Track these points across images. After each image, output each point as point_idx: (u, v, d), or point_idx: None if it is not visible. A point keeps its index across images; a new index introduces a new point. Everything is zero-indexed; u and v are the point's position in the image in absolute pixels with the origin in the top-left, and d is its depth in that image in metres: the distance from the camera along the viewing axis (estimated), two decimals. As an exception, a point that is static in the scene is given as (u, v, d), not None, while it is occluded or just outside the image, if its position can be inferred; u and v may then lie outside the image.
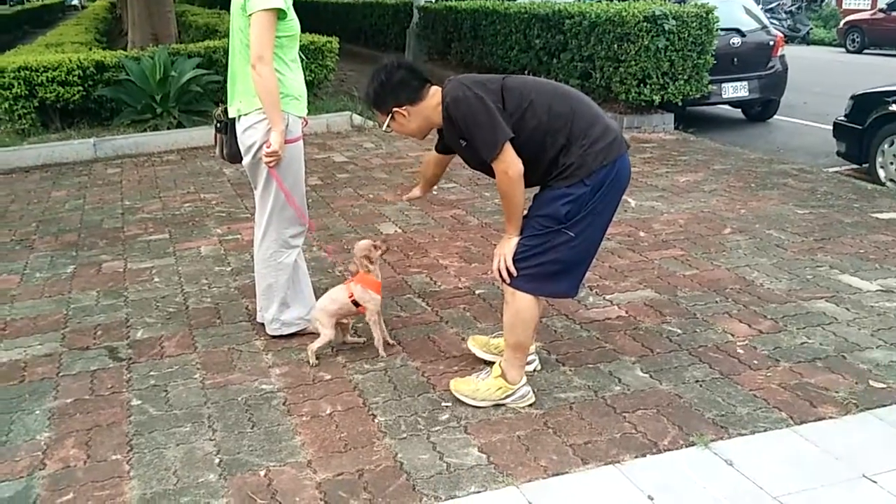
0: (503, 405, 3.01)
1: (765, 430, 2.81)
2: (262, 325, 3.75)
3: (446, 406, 3.05)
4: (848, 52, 19.77)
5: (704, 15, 8.25)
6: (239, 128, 3.42)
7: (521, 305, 2.88)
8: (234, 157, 3.53)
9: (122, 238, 5.28)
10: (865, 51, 19.47)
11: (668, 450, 2.71)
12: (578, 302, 3.97)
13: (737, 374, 3.22)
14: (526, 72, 10.69)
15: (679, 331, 3.64)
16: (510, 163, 2.72)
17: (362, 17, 18.00)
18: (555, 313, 3.84)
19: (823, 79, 13.26)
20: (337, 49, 9.67)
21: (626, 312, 3.86)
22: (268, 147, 3.27)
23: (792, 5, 23.81)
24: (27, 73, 8.00)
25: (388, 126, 2.97)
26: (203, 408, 3.11)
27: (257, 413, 3.06)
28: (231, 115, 3.47)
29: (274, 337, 3.68)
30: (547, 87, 2.87)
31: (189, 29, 15.20)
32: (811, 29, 22.91)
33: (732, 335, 3.58)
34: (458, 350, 3.51)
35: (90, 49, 10.36)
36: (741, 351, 3.42)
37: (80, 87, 8.28)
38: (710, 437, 2.77)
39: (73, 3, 49.86)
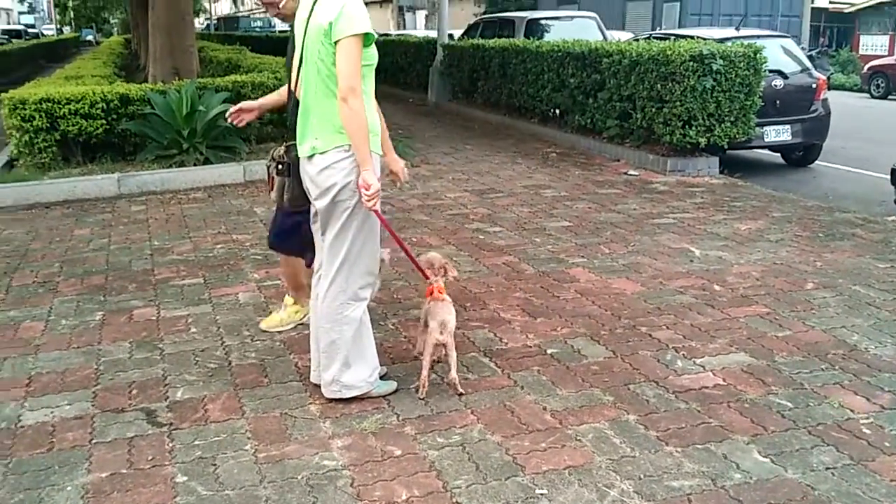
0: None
1: (925, 534, 2.40)
2: (317, 386, 3.36)
3: (541, 494, 2.63)
4: (873, 97, 19.55)
5: (752, 55, 7.96)
6: (312, 168, 3.05)
7: None
8: (298, 200, 3.16)
9: (153, 282, 4.90)
10: (890, 96, 19.24)
11: (820, 558, 2.30)
12: (666, 367, 3.57)
13: (870, 461, 2.81)
14: (559, 112, 10.43)
15: (789, 404, 3.23)
16: None
17: (383, 55, 17.79)
18: (642, 380, 3.44)
19: (857, 124, 12.95)
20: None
21: (724, 380, 3.45)
22: (366, 189, 2.90)
23: (811, 50, 23.66)
24: (49, 105, 7.68)
25: None
26: (259, 488, 2.70)
27: (322, 496, 2.65)
28: (303, 153, 3.08)
29: (331, 400, 3.28)
30: None
31: (210, 64, 14.96)
32: (832, 74, 22.72)
33: (852, 411, 3.16)
34: (542, 422, 3.11)
35: (111, 82, 10.08)
36: (867, 431, 3.01)
37: (104, 121, 7.95)
38: (866, 542, 2.36)
39: (88, 38, 50.32)
